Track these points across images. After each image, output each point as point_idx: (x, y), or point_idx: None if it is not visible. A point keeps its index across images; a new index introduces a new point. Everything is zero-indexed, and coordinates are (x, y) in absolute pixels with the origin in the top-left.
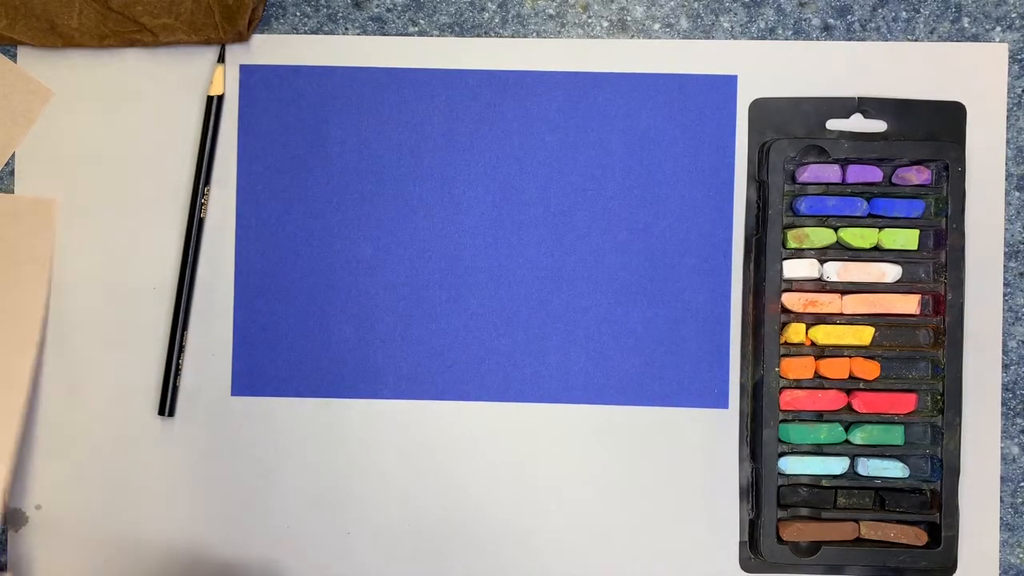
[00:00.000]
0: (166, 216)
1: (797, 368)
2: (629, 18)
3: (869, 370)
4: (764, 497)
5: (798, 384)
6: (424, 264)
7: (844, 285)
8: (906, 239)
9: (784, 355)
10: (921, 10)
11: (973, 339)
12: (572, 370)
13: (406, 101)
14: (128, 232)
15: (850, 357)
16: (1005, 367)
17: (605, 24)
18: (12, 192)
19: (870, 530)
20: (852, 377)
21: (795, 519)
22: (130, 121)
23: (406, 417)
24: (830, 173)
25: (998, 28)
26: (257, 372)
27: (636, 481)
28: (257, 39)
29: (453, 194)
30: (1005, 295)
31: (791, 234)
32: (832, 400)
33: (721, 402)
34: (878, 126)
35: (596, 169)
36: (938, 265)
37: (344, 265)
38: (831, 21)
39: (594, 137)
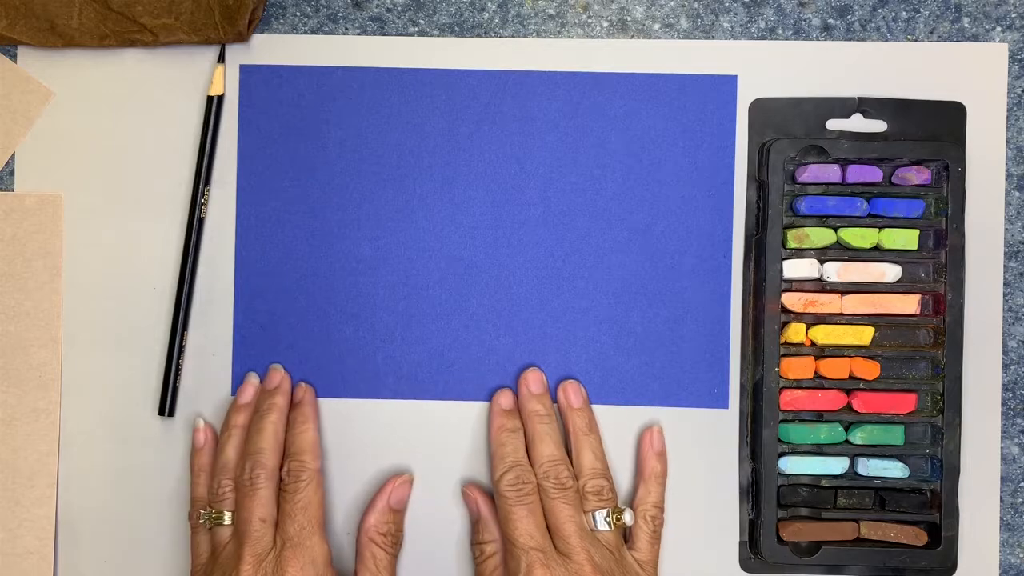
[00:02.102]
0: (166, 216)
1: (797, 368)
2: (629, 18)
3: (869, 370)
4: (764, 497)
5: (798, 384)
6: (424, 264)
7: (844, 285)
8: (906, 239)
9: (784, 355)
10: (921, 10)
11: (973, 339)
12: (572, 370)
13: (406, 101)
14: (128, 232)
15: (850, 357)
16: (1005, 367)
17: (605, 24)
18: (12, 192)
19: (870, 530)
20: (852, 377)
21: (795, 519)
22: (130, 121)
23: (406, 417)
24: (830, 173)
25: (998, 28)
26: (257, 372)
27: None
28: (257, 39)
29: (453, 194)
30: (1005, 295)
31: (791, 234)
32: (832, 400)
33: (721, 402)
34: (878, 126)
35: (596, 169)
36: (938, 265)
37: (344, 265)
38: (831, 21)
39: (594, 137)
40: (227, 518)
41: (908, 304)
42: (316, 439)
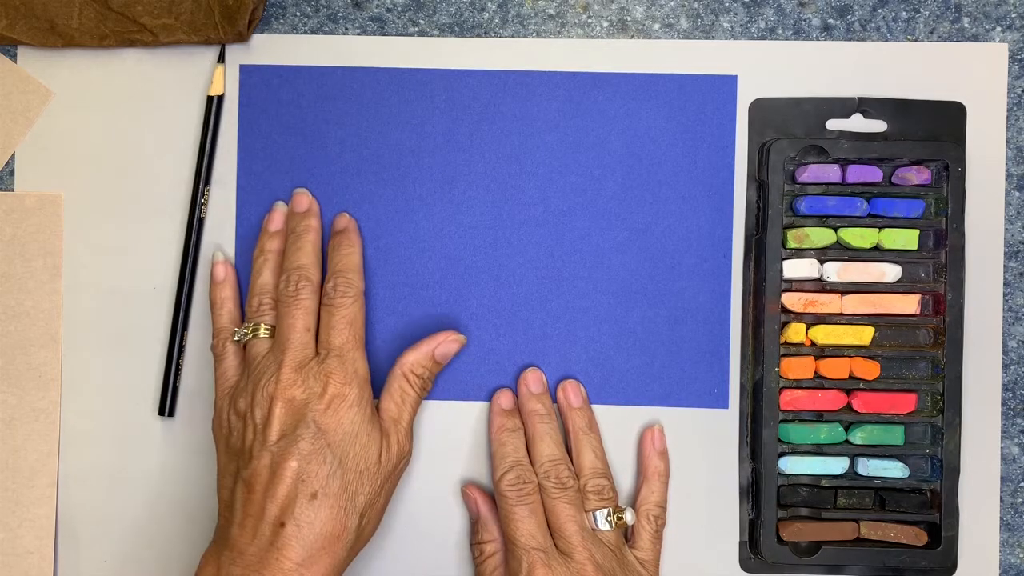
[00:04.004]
0: (166, 216)
1: (797, 368)
2: (629, 18)
3: (869, 370)
4: (764, 497)
5: (798, 384)
6: (424, 264)
7: (844, 285)
8: (906, 239)
9: (784, 355)
10: (921, 10)
11: (973, 339)
12: (572, 370)
13: (406, 101)
14: (128, 232)
15: (850, 357)
16: (1005, 367)
17: (605, 24)
18: (12, 192)
19: (870, 530)
20: (852, 377)
21: (795, 519)
22: (130, 121)
23: None
24: (830, 173)
25: (998, 28)
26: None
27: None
28: (257, 39)
29: (453, 194)
30: (1005, 295)
31: (791, 234)
32: (832, 400)
33: (721, 402)
34: (878, 126)
35: (596, 169)
36: (938, 265)
37: None
38: (831, 21)
39: (594, 137)
40: (264, 331)
41: (908, 304)
42: (361, 262)
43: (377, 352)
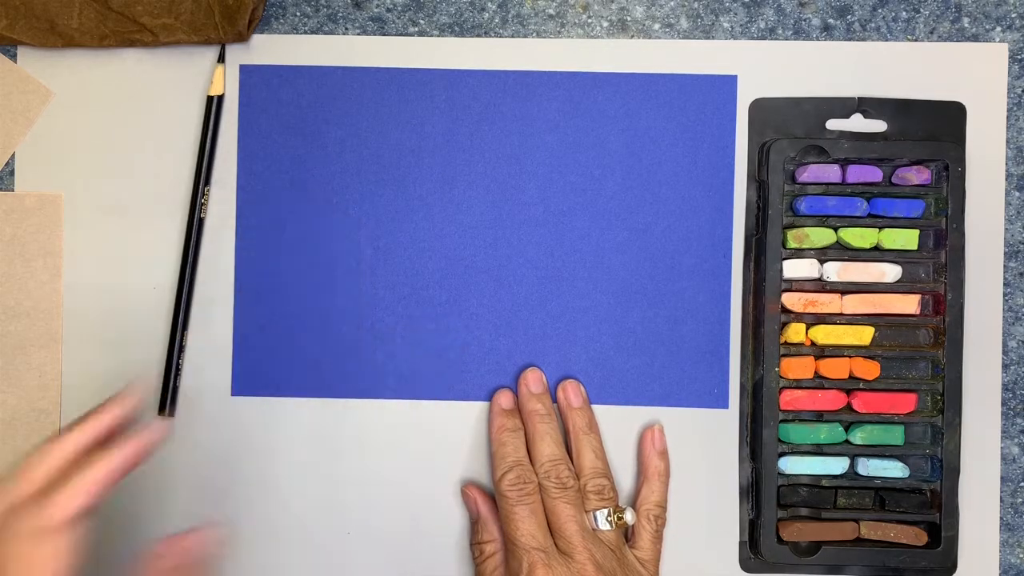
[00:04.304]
0: (166, 216)
1: (797, 368)
2: (629, 18)
3: (869, 370)
4: (764, 497)
5: (798, 384)
6: (424, 264)
7: (844, 285)
8: (906, 239)
9: (784, 355)
10: (921, 10)
11: (973, 339)
12: (572, 370)
13: (406, 101)
14: (128, 232)
15: (850, 357)
16: (1005, 367)
17: (605, 24)
18: (12, 192)
19: (870, 530)
20: (852, 377)
21: (795, 519)
22: (130, 121)
23: (406, 417)
24: (830, 173)
25: (998, 28)
26: (257, 372)
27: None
28: (257, 39)
29: (453, 194)
30: (1005, 295)
31: (791, 234)
32: (832, 400)
33: (721, 402)
34: (878, 126)
35: (596, 169)
36: (938, 265)
37: (344, 265)
38: (831, 21)
39: (594, 137)
40: None
41: (908, 304)
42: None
43: (376, 353)
